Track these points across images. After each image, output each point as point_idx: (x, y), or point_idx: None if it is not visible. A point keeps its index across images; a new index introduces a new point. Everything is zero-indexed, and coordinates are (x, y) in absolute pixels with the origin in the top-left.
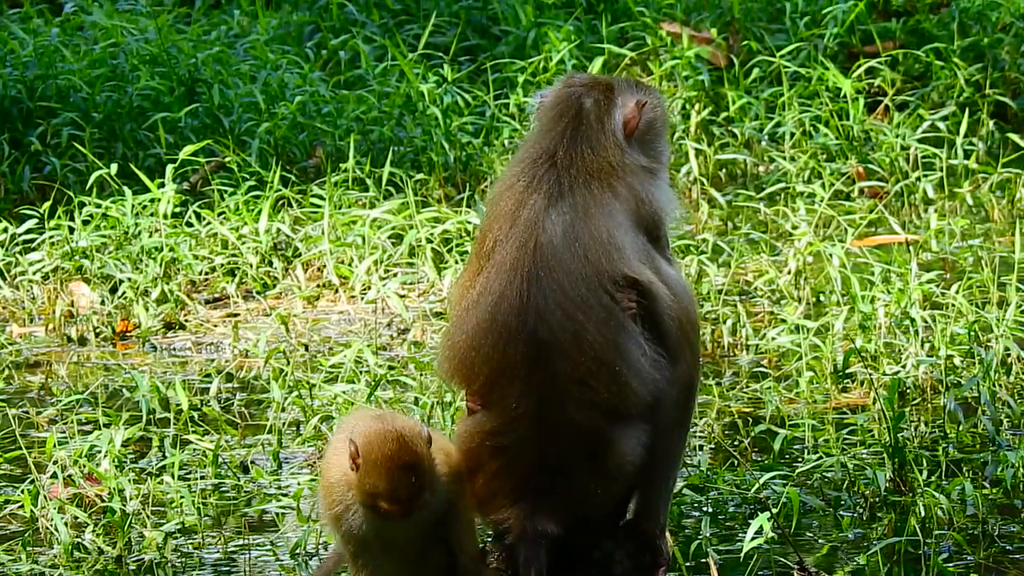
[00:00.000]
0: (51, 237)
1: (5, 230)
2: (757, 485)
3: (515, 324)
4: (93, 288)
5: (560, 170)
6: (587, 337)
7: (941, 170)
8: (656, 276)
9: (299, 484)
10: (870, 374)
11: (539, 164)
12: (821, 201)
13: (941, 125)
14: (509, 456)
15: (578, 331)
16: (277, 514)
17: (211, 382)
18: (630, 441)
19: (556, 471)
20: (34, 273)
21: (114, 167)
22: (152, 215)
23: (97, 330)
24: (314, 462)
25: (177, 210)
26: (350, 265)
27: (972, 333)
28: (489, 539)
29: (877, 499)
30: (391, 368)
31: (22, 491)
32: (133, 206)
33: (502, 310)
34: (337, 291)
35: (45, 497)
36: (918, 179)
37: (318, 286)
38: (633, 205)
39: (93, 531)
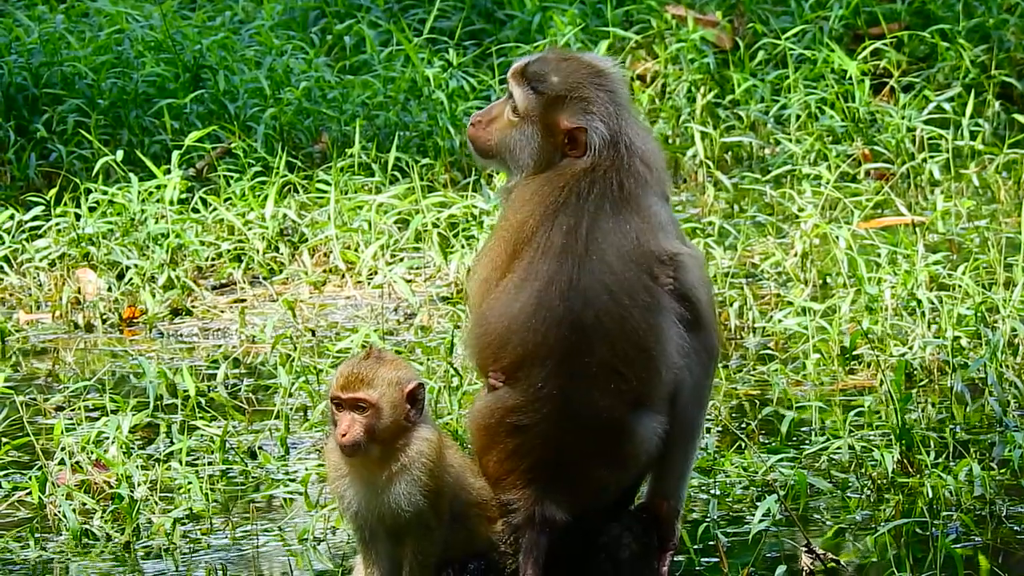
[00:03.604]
0: (57, 224)
1: (12, 217)
2: (764, 467)
3: (561, 309)
4: (100, 275)
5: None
6: (631, 323)
7: (947, 151)
8: (685, 246)
9: (307, 469)
10: (877, 356)
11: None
12: (827, 183)
13: (947, 106)
14: (526, 436)
15: (624, 316)
16: (285, 499)
17: (218, 368)
18: (647, 431)
19: (572, 456)
20: (41, 260)
21: (120, 154)
22: (158, 201)
23: (104, 316)
24: (321, 447)
25: (183, 196)
26: (356, 250)
27: (979, 314)
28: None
29: (884, 481)
30: (398, 353)
31: (30, 478)
32: (139, 192)
33: (549, 294)
34: (344, 276)
35: (53, 484)
36: (924, 160)
37: (324, 271)
38: (656, 176)
39: (101, 517)
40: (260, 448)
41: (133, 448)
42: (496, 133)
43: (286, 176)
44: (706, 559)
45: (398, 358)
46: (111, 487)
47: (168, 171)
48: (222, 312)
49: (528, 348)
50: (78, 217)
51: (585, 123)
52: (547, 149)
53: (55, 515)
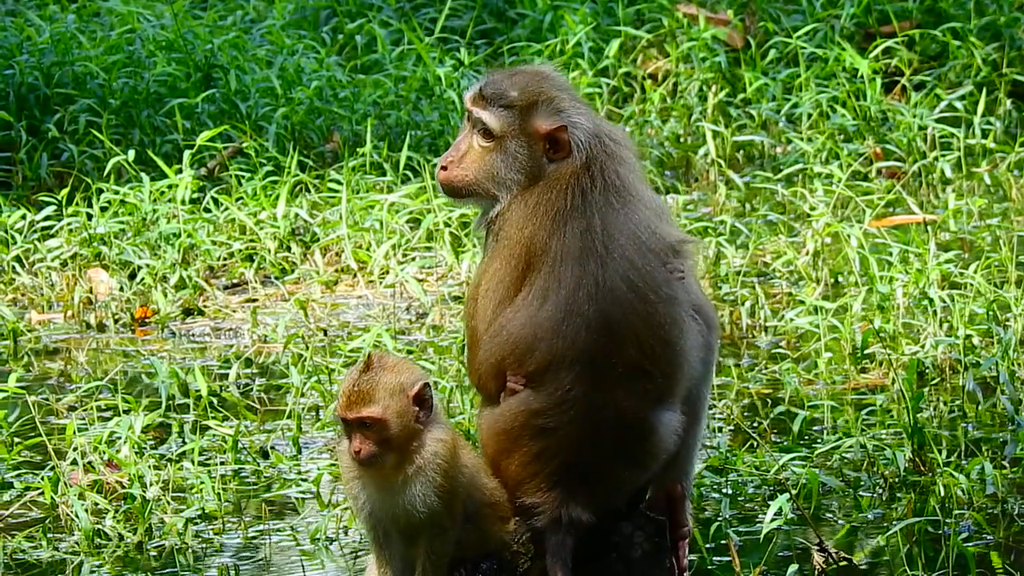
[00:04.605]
0: (69, 224)
1: (23, 217)
2: (776, 466)
3: (591, 312)
4: (111, 274)
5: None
6: (656, 319)
7: (959, 150)
8: (682, 233)
9: (319, 469)
10: (889, 354)
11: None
12: (839, 182)
13: (958, 105)
14: (552, 439)
15: (649, 312)
16: (297, 499)
17: (230, 368)
18: (667, 429)
19: (596, 457)
20: (52, 260)
21: (131, 153)
22: (170, 201)
23: (116, 316)
24: (334, 447)
25: (195, 196)
26: (368, 250)
27: (990, 312)
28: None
29: (896, 479)
30: (410, 352)
31: (42, 478)
32: (151, 192)
33: (578, 299)
34: (355, 276)
35: (65, 484)
36: (936, 159)
37: (336, 271)
38: (639, 163)
39: (113, 517)
40: (272, 448)
41: (145, 448)
42: (471, 166)
43: (298, 176)
44: (718, 558)
45: (400, 360)
46: (123, 487)
47: (180, 171)
48: (234, 312)
49: (556, 353)
50: (90, 217)
51: (563, 120)
52: (534, 159)
53: (67, 515)
